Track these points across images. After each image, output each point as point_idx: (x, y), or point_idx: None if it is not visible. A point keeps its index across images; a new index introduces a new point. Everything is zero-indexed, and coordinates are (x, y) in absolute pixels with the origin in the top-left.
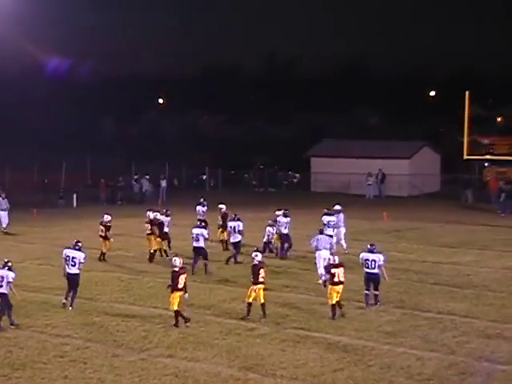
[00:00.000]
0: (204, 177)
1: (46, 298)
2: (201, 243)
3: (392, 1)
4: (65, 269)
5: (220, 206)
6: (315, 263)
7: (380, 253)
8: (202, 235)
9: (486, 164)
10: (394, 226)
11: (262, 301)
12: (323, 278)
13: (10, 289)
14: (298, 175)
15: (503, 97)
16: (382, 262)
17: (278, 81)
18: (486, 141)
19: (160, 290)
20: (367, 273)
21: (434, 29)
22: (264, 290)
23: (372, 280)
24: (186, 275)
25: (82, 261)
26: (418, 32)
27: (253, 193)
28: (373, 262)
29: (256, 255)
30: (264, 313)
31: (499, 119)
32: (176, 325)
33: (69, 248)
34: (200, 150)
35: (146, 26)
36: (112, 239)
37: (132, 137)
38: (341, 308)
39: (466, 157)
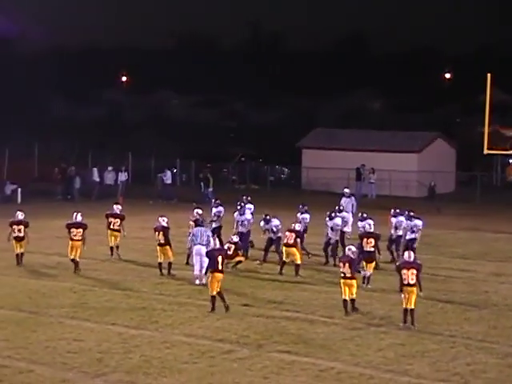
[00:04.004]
0: (174, 170)
1: None
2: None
3: None
4: None
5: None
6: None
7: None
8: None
9: (510, 161)
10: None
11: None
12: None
13: None
14: (286, 170)
15: None
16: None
17: (263, 58)
18: (510, 133)
19: (119, 304)
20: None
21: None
22: None
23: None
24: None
25: None
26: (431, 3)
27: (232, 190)
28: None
29: None
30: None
31: None
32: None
33: None
34: (168, 137)
35: None
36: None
37: (87, 120)
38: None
39: (486, 151)
